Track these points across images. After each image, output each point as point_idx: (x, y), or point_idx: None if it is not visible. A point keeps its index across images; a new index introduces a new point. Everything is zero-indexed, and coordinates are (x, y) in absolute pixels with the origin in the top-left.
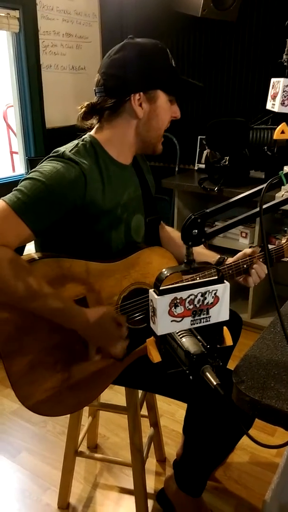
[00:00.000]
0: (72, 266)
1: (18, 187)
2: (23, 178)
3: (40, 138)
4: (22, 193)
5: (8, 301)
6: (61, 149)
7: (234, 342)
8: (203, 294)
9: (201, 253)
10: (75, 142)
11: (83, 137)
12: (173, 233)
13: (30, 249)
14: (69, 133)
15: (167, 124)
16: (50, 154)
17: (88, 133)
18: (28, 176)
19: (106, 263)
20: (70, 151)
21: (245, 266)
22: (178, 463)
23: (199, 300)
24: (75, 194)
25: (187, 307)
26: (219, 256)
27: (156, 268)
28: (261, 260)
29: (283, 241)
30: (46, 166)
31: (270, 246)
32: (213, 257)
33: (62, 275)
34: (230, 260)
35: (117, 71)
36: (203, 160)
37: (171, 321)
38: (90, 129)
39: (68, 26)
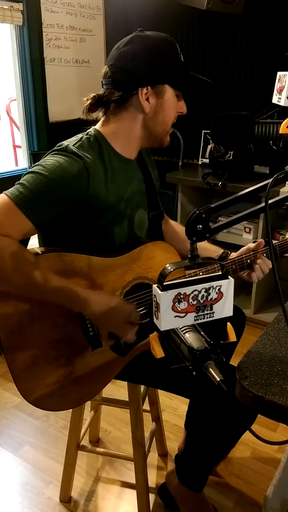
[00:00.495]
0: (75, 260)
1: (20, 181)
2: (26, 172)
3: (43, 132)
4: (25, 187)
5: (13, 289)
6: (65, 143)
7: (238, 338)
8: (207, 290)
9: (205, 247)
10: (79, 136)
11: (88, 130)
12: (177, 227)
13: (33, 243)
14: (72, 127)
15: (174, 119)
16: (54, 148)
17: (93, 127)
18: (31, 170)
19: (108, 258)
20: (73, 145)
21: (248, 261)
22: (179, 458)
23: (203, 295)
24: (77, 188)
25: (191, 302)
26: (222, 250)
27: (158, 263)
28: (264, 255)
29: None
30: (49, 160)
31: (274, 241)
32: (216, 251)
33: (64, 269)
34: (233, 254)
35: (125, 64)
36: (207, 154)
37: (175, 316)
38: (96, 122)
39: (72, 19)
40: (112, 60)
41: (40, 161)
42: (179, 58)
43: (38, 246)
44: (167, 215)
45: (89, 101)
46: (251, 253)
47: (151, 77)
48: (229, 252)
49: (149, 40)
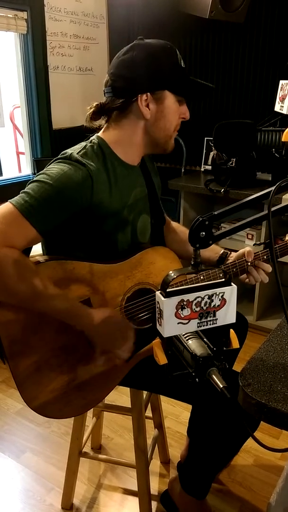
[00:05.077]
0: (76, 268)
1: (25, 190)
2: (30, 180)
3: (46, 139)
4: (29, 195)
5: (15, 302)
6: (69, 151)
7: (240, 344)
8: (210, 297)
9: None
10: (83, 144)
11: (91, 138)
12: (178, 228)
13: (36, 250)
14: (75, 134)
15: (176, 125)
16: (58, 156)
17: (96, 134)
18: (35, 178)
19: (109, 264)
20: (77, 153)
21: (248, 263)
22: (182, 465)
23: (206, 302)
24: (81, 196)
25: (194, 309)
26: (222, 250)
27: (159, 268)
28: (265, 257)
29: (287, 238)
30: (53, 168)
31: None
32: (216, 251)
33: (66, 277)
34: (233, 255)
35: (125, 72)
36: (209, 161)
37: (178, 323)
38: (99, 129)
39: (75, 27)
40: (112, 68)
41: (44, 169)
42: (179, 64)
43: (41, 253)
44: (168, 218)
45: (91, 110)
46: (243, 259)
47: (150, 83)
48: (229, 253)
49: (148, 47)
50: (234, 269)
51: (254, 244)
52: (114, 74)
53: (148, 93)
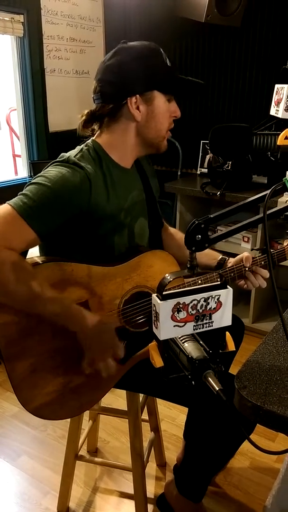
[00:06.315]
0: (74, 270)
1: (23, 192)
2: (28, 182)
3: (43, 141)
4: (28, 197)
5: (11, 303)
6: (66, 154)
7: (236, 347)
8: (206, 299)
9: (204, 252)
10: (80, 147)
11: (87, 142)
12: (176, 234)
13: (33, 252)
14: (72, 137)
15: (168, 124)
16: (56, 159)
17: (91, 138)
18: (33, 181)
19: (108, 267)
20: (75, 156)
21: (246, 269)
22: (179, 468)
23: (202, 305)
24: (80, 198)
25: (190, 312)
26: (221, 256)
27: (157, 272)
28: (263, 262)
29: (285, 243)
30: (52, 171)
31: (271, 251)
32: (215, 257)
33: (64, 279)
34: (231, 260)
35: (112, 77)
36: (205, 164)
37: (174, 326)
38: (93, 134)
39: (72, 30)
40: (99, 74)
41: (42, 172)
42: (165, 63)
43: (38, 255)
44: (166, 223)
45: (83, 118)
46: (241, 264)
47: (138, 85)
48: (227, 258)
49: (133, 50)
50: (232, 274)
51: (252, 249)
52: (102, 80)
53: (137, 95)
